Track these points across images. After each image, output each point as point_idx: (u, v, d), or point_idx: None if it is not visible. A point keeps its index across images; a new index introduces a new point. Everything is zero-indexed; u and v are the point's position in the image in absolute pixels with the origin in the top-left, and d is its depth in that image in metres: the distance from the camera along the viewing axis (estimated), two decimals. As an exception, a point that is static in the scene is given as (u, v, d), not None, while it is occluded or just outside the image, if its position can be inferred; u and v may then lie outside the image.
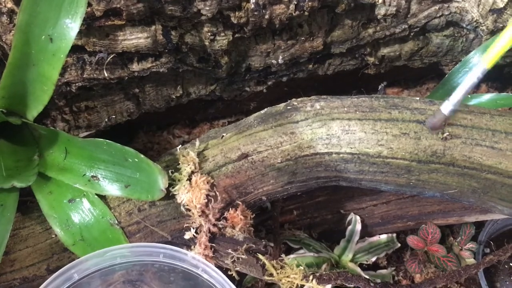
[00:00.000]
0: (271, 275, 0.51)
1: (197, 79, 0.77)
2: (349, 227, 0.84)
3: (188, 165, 0.56)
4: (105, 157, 0.55)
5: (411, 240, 0.84)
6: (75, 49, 0.61)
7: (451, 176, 0.51)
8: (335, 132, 0.53)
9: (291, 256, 0.78)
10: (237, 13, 0.62)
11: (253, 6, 0.61)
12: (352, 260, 0.84)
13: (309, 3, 0.62)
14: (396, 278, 0.87)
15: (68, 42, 0.49)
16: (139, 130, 0.95)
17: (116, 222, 0.56)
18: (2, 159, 0.55)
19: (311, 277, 0.51)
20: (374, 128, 0.52)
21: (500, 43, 0.45)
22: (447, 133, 0.50)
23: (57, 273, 0.51)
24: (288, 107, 0.56)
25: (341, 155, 0.53)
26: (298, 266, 0.52)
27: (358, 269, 0.81)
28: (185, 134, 0.97)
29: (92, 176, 0.55)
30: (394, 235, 0.86)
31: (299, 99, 0.58)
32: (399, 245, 0.86)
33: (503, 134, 0.50)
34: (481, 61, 0.45)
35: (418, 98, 0.54)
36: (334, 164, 0.54)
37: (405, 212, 0.84)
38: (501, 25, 0.71)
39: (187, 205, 0.54)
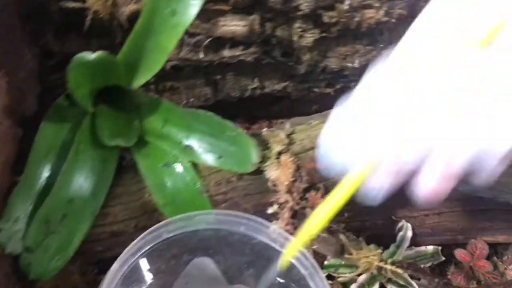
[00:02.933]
0: (350, 254, 0.54)
1: (273, 74, 0.81)
2: (400, 233, 0.86)
3: (278, 145, 0.59)
4: (203, 128, 0.59)
5: (459, 253, 0.86)
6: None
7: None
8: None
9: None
10: (329, 12, 0.67)
11: (346, 7, 0.65)
12: (399, 265, 0.85)
13: (399, 11, 0.67)
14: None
15: (189, 18, 0.54)
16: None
17: (205, 190, 0.59)
18: (105, 122, 0.59)
19: (389, 260, 0.54)
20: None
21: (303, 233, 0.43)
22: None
23: (150, 229, 0.55)
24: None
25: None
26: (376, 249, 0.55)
27: (406, 275, 0.83)
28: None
29: (188, 145, 0.59)
30: (440, 248, 0.88)
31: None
32: (443, 258, 0.88)
33: None
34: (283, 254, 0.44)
35: None
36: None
37: (456, 225, 0.86)
38: None
39: (275, 181, 0.58)
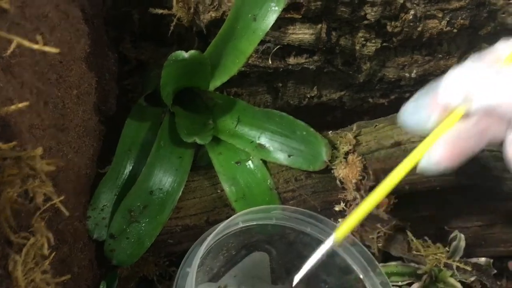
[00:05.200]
0: (418, 251, 0.56)
1: (331, 83, 0.84)
2: (454, 243, 0.87)
3: (346, 145, 0.62)
4: (274, 127, 0.62)
5: (512, 264, 0.86)
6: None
7: None
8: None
9: (393, 263, 0.82)
10: (394, 22, 0.70)
11: (411, 17, 0.68)
12: (452, 276, 0.86)
13: (461, 21, 0.69)
14: (492, 302, 0.88)
15: (269, 23, 0.58)
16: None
17: (275, 187, 0.62)
18: (183, 121, 0.63)
19: (457, 258, 0.55)
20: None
21: (355, 216, 0.45)
22: None
23: (230, 218, 0.57)
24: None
25: (493, 152, 0.58)
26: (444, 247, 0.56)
27: (458, 284, 0.83)
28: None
29: (259, 144, 0.62)
30: (491, 260, 0.88)
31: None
32: (495, 271, 0.88)
33: None
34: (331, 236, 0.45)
35: None
36: (484, 162, 0.59)
37: (510, 236, 0.86)
38: None
39: (343, 180, 0.60)
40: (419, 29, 0.71)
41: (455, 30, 0.71)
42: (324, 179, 0.62)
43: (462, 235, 0.88)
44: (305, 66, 0.75)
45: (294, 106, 0.87)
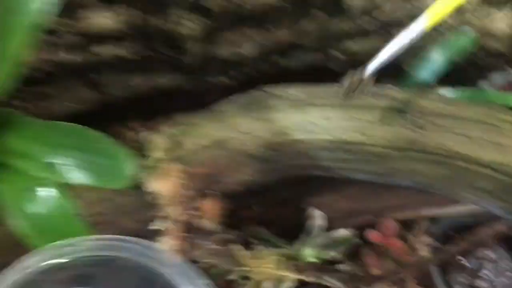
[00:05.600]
0: (244, 265, 0.50)
1: (160, 67, 0.74)
2: (309, 222, 0.84)
3: (158, 152, 0.53)
4: (69, 141, 0.51)
5: (370, 234, 0.85)
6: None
7: (424, 164, 0.52)
8: (310, 118, 0.52)
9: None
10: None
11: (226, -10, 0.60)
12: (311, 255, 0.83)
13: (282, -9, 0.62)
14: (355, 272, 0.87)
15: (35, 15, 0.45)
16: (93, 122, 0.91)
17: (78, 212, 0.52)
18: None
19: (284, 267, 0.50)
20: (350, 115, 0.52)
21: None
22: (424, 121, 0.51)
23: (13, 263, 0.47)
24: (263, 93, 0.55)
25: (317, 142, 0.52)
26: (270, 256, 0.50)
27: (318, 264, 0.81)
28: (142, 126, 0.93)
29: (55, 163, 0.51)
30: (354, 230, 0.87)
31: (274, 86, 0.57)
32: (358, 240, 0.87)
33: (472, 122, 0.51)
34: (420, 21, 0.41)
35: (393, 86, 0.54)
36: (310, 152, 0.53)
37: (365, 207, 0.85)
38: (458, 22, 0.73)
39: (155, 194, 0.52)
40: (239, 2, 0.62)
41: (286, 5, 0.64)
42: (136, 196, 0.53)
43: (318, 212, 0.85)
44: (119, 54, 0.65)
45: (126, 97, 0.77)
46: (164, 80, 0.77)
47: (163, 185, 0.52)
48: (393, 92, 0.54)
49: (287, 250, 0.79)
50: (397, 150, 0.51)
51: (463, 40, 0.75)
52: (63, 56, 0.59)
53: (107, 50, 0.63)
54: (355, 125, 0.51)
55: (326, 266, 0.79)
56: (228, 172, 0.54)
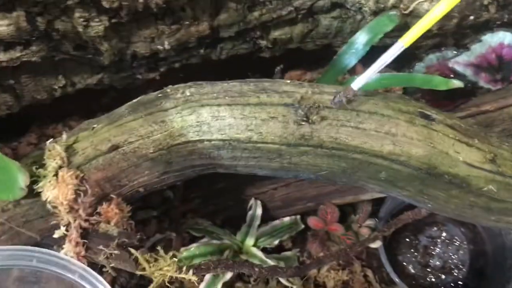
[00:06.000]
0: (143, 269, 0.50)
1: (80, 68, 0.73)
2: (250, 212, 0.84)
3: (54, 159, 0.53)
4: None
5: (311, 221, 0.85)
6: None
7: (320, 158, 0.52)
8: (205, 118, 0.52)
9: (194, 245, 0.77)
10: (106, -3, 0.59)
11: (122, -11, 0.58)
12: (254, 245, 0.84)
13: (184, -14, 0.60)
14: (301, 259, 0.88)
15: None
16: (32, 123, 0.90)
17: (-22, 224, 0.52)
18: None
19: (184, 268, 0.50)
20: (243, 113, 0.51)
21: (422, 24, 0.46)
22: (316, 116, 0.50)
23: None
24: (159, 95, 0.55)
25: (212, 142, 0.52)
26: (172, 258, 0.51)
27: (260, 253, 0.81)
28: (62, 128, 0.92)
29: None
30: (298, 217, 0.87)
31: (172, 86, 0.57)
32: (303, 226, 0.87)
33: (367, 114, 0.51)
34: (400, 40, 0.48)
35: (288, 81, 0.53)
36: (207, 152, 0.53)
37: (304, 194, 0.85)
38: (382, 6, 0.72)
39: (54, 202, 0.52)
40: (141, 0, 0.61)
41: (183, -4, 0.63)
42: (35, 205, 0.53)
43: (258, 202, 0.85)
44: (25, 59, 0.63)
45: (49, 99, 0.76)
46: (90, 80, 0.76)
47: (61, 193, 0.51)
48: (291, 88, 0.53)
49: (230, 241, 0.80)
50: (288, 146, 0.50)
51: (385, 23, 0.74)
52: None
53: (11, 56, 0.61)
54: (248, 124, 0.51)
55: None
56: (128, 176, 0.54)
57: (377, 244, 0.80)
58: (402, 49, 0.48)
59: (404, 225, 0.76)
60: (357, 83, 0.49)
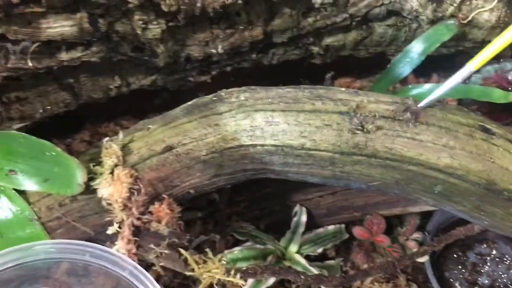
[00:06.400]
0: (192, 270, 0.50)
1: (136, 69, 0.75)
2: (295, 219, 0.84)
3: (111, 158, 0.54)
4: (23, 150, 0.53)
5: (357, 231, 0.84)
6: (-3, 38, 0.59)
7: (374, 168, 0.51)
8: (258, 123, 0.52)
9: (238, 248, 0.77)
10: (167, 0, 0.61)
11: (183, -7, 0.59)
12: (298, 252, 0.83)
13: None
14: (344, 269, 0.86)
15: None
16: (85, 121, 0.93)
17: (36, 217, 0.54)
18: None
19: (233, 272, 0.51)
20: (297, 120, 0.51)
21: (493, 47, 0.46)
22: (371, 125, 0.50)
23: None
24: (214, 98, 0.55)
25: (265, 147, 0.52)
26: (220, 260, 0.51)
27: (303, 260, 0.81)
28: (133, 125, 0.95)
29: (10, 171, 0.53)
30: (343, 226, 0.86)
31: (227, 90, 0.57)
32: (347, 235, 0.86)
33: (424, 126, 0.50)
34: (469, 64, 0.47)
35: (343, 89, 0.53)
36: (259, 157, 0.53)
37: (351, 203, 0.84)
38: (440, 15, 0.71)
39: (108, 199, 0.53)
40: (199, 4, 0.62)
41: (240, 2, 0.63)
42: (91, 201, 0.54)
43: (304, 208, 0.84)
44: (85, 59, 0.66)
45: (104, 98, 0.78)
46: (145, 81, 0.77)
47: (116, 191, 0.53)
48: (346, 96, 0.52)
49: (273, 246, 0.80)
50: (342, 154, 0.50)
51: (443, 32, 0.72)
52: (31, 64, 0.60)
53: (72, 56, 0.64)
54: (301, 130, 0.51)
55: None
56: (180, 177, 0.55)
57: (424, 259, 0.78)
58: (471, 73, 0.47)
59: (453, 240, 0.74)
60: (424, 103, 0.48)
